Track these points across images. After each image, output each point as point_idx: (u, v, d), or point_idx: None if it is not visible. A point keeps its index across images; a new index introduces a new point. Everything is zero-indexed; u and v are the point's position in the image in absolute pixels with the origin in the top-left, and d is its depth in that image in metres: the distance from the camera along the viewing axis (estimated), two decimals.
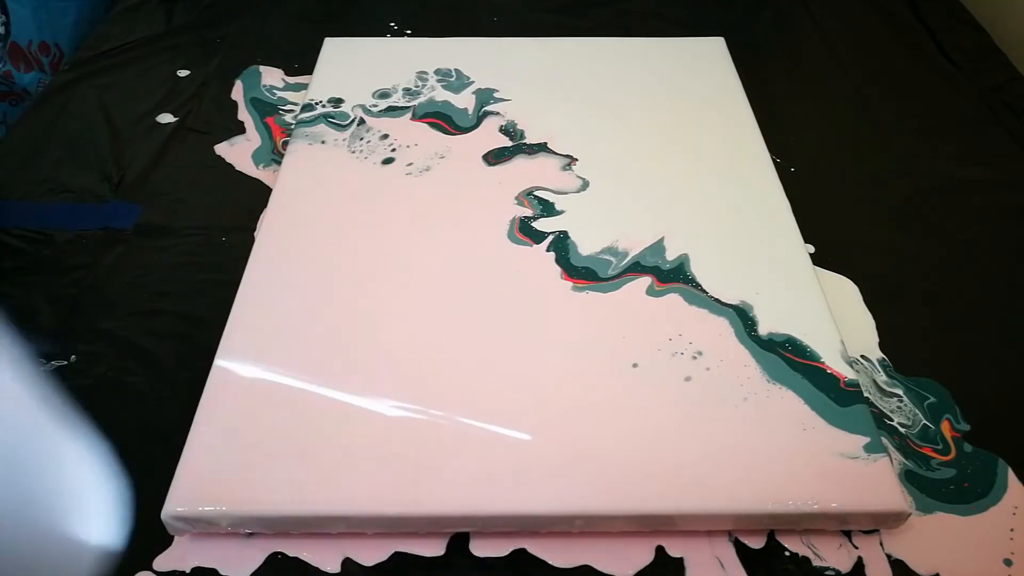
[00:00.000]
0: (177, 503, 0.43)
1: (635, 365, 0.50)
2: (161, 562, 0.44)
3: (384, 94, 0.72)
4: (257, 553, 0.44)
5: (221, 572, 0.44)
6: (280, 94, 0.77)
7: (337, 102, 0.71)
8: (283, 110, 0.75)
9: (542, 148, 0.66)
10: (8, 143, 0.72)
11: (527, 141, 0.67)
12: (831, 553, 0.45)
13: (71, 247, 0.62)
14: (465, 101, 0.71)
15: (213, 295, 0.57)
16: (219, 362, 0.50)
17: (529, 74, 0.74)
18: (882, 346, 0.55)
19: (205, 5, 0.89)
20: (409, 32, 0.86)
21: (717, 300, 0.54)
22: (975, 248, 0.63)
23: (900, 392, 0.52)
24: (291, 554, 0.44)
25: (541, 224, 0.59)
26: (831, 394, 0.48)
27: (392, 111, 0.70)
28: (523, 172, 0.64)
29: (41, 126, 0.73)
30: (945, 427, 0.50)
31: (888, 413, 0.51)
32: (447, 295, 0.54)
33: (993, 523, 0.46)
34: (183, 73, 0.80)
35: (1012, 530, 0.46)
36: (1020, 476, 0.48)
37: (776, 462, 0.45)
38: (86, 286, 0.59)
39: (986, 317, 0.58)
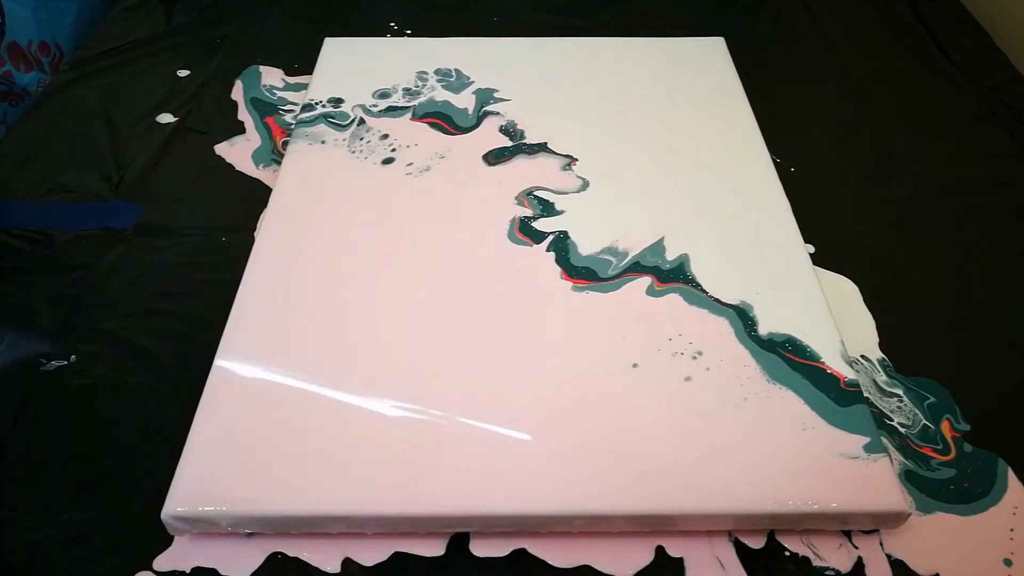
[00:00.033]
0: (177, 503, 0.43)
1: (635, 365, 0.50)
2: (161, 562, 0.44)
3: (384, 94, 0.72)
4: (257, 553, 0.44)
5: (221, 572, 0.44)
6: (280, 94, 0.77)
7: (337, 102, 0.71)
8: (283, 110, 0.75)
9: (542, 148, 0.66)
10: (8, 143, 0.72)
11: (527, 141, 0.67)
12: (831, 553, 0.45)
13: (71, 247, 0.62)
14: (465, 101, 0.71)
15: (213, 295, 0.57)
16: (219, 362, 0.50)
17: (529, 74, 0.74)
18: (882, 346, 0.55)
19: (205, 5, 0.89)
20: (409, 32, 0.86)
21: (717, 300, 0.54)
22: (975, 248, 0.63)
23: (900, 392, 0.52)
24: (291, 554, 0.44)
25: (541, 224, 0.59)
26: (831, 394, 0.48)
27: (392, 111, 0.70)
28: (523, 172, 0.64)
29: (41, 126, 0.73)
30: (945, 427, 0.50)
31: (888, 413, 0.51)
32: (447, 295, 0.54)
33: (993, 523, 0.46)
34: (183, 73, 0.80)
35: (1012, 530, 0.46)
36: (1020, 476, 0.48)
37: (776, 462, 0.45)
38: (86, 286, 0.59)
39: (986, 317, 0.58)
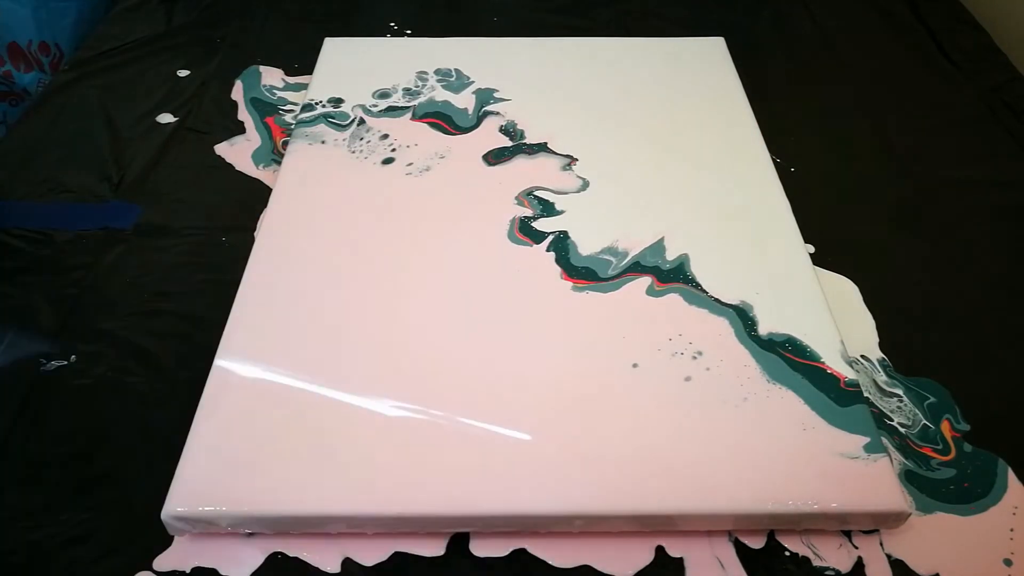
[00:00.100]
0: (177, 503, 0.43)
1: (635, 365, 0.50)
2: (161, 562, 0.44)
3: (384, 94, 0.72)
4: (257, 553, 0.44)
5: (221, 572, 0.44)
6: (280, 94, 0.77)
7: (337, 102, 0.71)
8: (283, 110, 0.75)
9: (542, 148, 0.66)
10: (8, 143, 0.72)
11: (527, 141, 0.67)
12: (831, 553, 0.45)
13: (71, 247, 0.62)
14: (465, 101, 0.71)
15: (213, 295, 0.57)
16: (219, 362, 0.50)
17: (529, 74, 0.74)
18: (882, 346, 0.55)
19: (205, 5, 0.89)
20: (409, 32, 0.86)
21: (717, 300, 0.54)
22: (975, 248, 0.63)
23: (900, 392, 0.52)
24: (291, 554, 0.44)
25: (541, 224, 0.59)
26: (831, 394, 0.48)
27: (392, 111, 0.70)
28: (523, 172, 0.64)
29: (41, 126, 0.73)
30: (945, 427, 0.50)
31: (888, 413, 0.51)
32: (447, 295, 0.54)
33: (993, 523, 0.46)
34: (183, 73, 0.80)
35: (1012, 530, 0.46)
36: (1020, 476, 0.48)
37: (776, 462, 0.45)
38: (86, 286, 0.59)
39: (986, 317, 0.58)
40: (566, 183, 0.63)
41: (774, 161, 0.65)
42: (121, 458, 0.49)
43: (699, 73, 0.74)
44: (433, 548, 0.45)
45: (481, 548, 0.45)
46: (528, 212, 0.60)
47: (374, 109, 0.70)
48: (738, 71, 0.74)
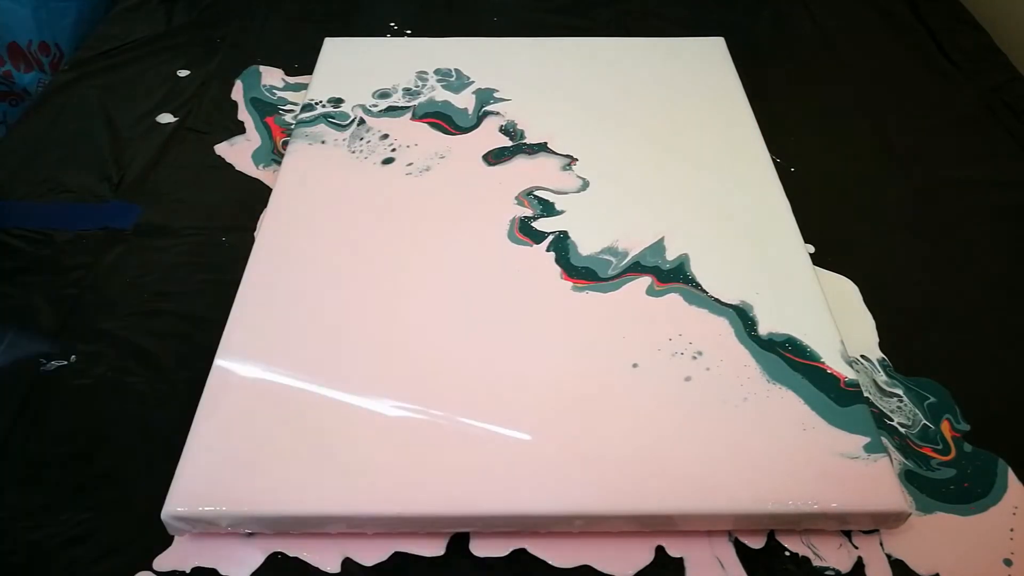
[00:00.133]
0: (177, 503, 0.43)
1: (635, 365, 0.50)
2: (161, 562, 0.44)
3: (384, 94, 0.72)
4: (257, 553, 0.44)
5: (221, 572, 0.44)
6: (280, 94, 0.77)
7: (337, 102, 0.71)
8: (283, 110, 0.75)
9: (542, 148, 0.66)
10: (8, 143, 0.72)
11: (527, 141, 0.67)
12: (831, 553, 0.45)
13: (71, 247, 0.62)
14: (465, 101, 0.71)
15: (213, 295, 0.57)
16: (219, 362, 0.50)
17: (529, 74, 0.74)
18: (882, 346, 0.55)
19: (205, 5, 0.89)
20: (409, 32, 0.86)
21: (717, 300, 0.54)
22: (975, 248, 0.63)
23: (900, 392, 0.52)
24: (291, 554, 0.44)
25: (541, 224, 0.59)
26: (831, 394, 0.48)
27: (392, 111, 0.70)
28: (523, 172, 0.64)
29: (41, 126, 0.73)
30: (945, 427, 0.50)
31: (888, 413, 0.51)
32: (447, 295, 0.54)
33: (993, 523, 0.46)
34: (183, 73, 0.80)
35: (1012, 530, 0.46)
36: (1020, 476, 0.48)
37: (776, 462, 0.45)
38: (86, 286, 0.59)
39: (986, 317, 0.58)
40: (566, 183, 0.63)
41: (774, 161, 0.65)
42: (121, 458, 0.49)
43: (699, 73, 0.74)
44: (433, 548, 0.45)
45: (481, 548, 0.45)
46: (528, 212, 0.60)
47: (374, 109, 0.70)
48: (738, 71, 0.74)
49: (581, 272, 0.56)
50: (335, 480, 0.44)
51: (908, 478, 0.48)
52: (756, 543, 0.45)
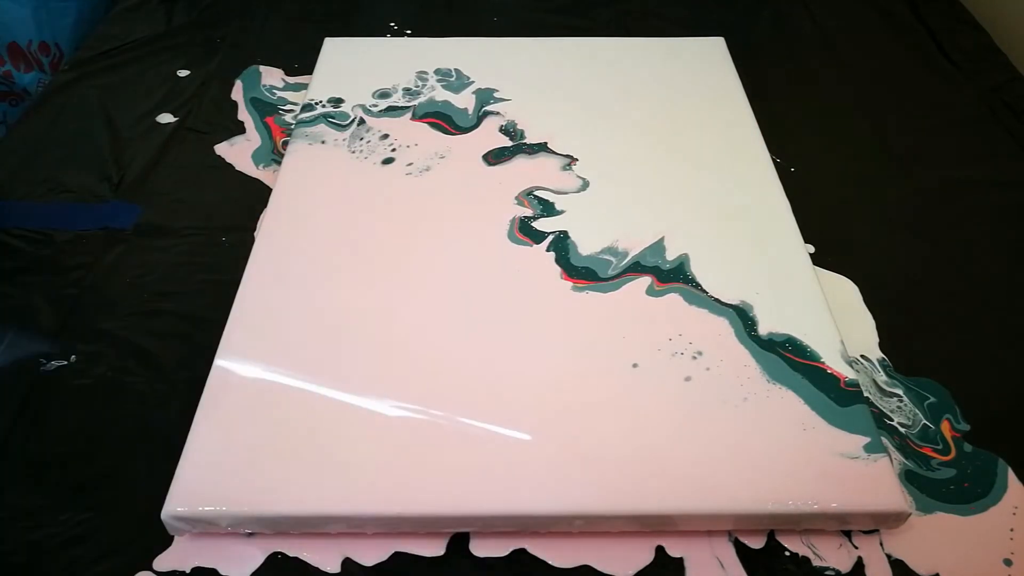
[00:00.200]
0: (177, 503, 0.43)
1: (635, 365, 0.50)
2: (161, 562, 0.44)
3: (384, 94, 0.72)
4: (257, 553, 0.44)
5: (221, 572, 0.44)
6: (280, 94, 0.77)
7: (337, 102, 0.71)
8: (283, 110, 0.75)
9: (542, 148, 0.66)
10: (8, 143, 0.72)
11: (527, 141, 0.67)
12: (831, 553, 0.45)
13: (71, 247, 0.62)
14: (465, 101, 0.71)
15: (213, 295, 0.57)
16: (219, 362, 0.50)
17: (529, 74, 0.74)
18: (882, 346, 0.55)
19: (205, 5, 0.89)
20: (409, 32, 0.86)
21: (717, 300, 0.54)
22: (975, 248, 0.63)
23: (900, 392, 0.52)
24: (291, 554, 0.44)
25: (541, 224, 0.59)
26: (831, 394, 0.48)
27: (392, 111, 0.70)
28: (523, 172, 0.64)
29: (41, 126, 0.73)
30: (945, 427, 0.50)
31: (888, 413, 0.51)
32: (447, 295, 0.54)
33: (993, 523, 0.46)
34: (183, 73, 0.80)
35: (1012, 530, 0.46)
36: (1020, 476, 0.48)
37: (776, 462, 0.45)
38: (86, 286, 0.59)
39: (986, 317, 0.58)
40: (566, 183, 0.63)
41: (774, 161, 0.65)
42: (121, 458, 0.49)
43: (699, 73, 0.74)
44: (433, 548, 0.45)
45: (481, 548, 0.45)
46: (528, 212, 0.60)
47: (374, 109, 0.70)
48: (738, 71, 0.74)
49: (581, 272, 0.56)
50: (335, 480, 0.44)
51: (908, 478, 0.48)
52: (756, 543, 0.45)
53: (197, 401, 0.48)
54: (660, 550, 0.45)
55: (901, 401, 0.52)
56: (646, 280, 0.55)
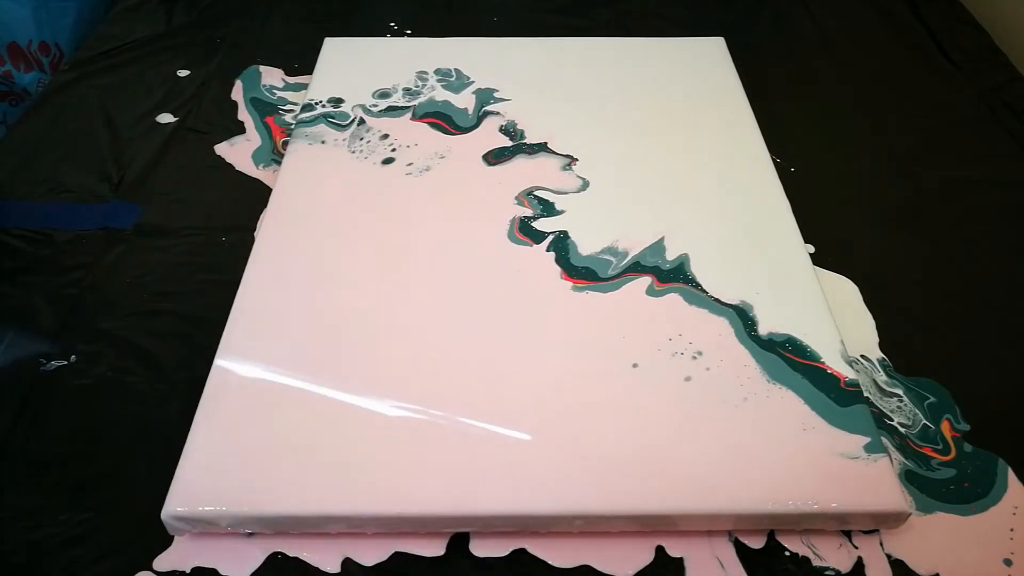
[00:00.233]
0: (177, 503, 0.43)
1: (635, 365, 0.50)
2: (161, 562, 0.44)
3: (384, 94, 0.72)
4: (257, 553, 0.44)
5: (221, 572, 0.44)
6: (280, 94, 0.77)
7: (337, 102, 0.71)
8: (283, 110, 0.75)
9: (542, 148, 0.66)
10: (8, 143, 0.72)
11: (527, 141, 0.67)
12: (831, 553, 0.45)
13: (71, 247, 0.62)
14: (465, 101, 0.71)
15: (213, 295, 0.57)
16: (219, 362, 0.50)
17: (529, 74, 0.74)
18: (882, 346, 0.55)
19: (205, 5, 0.89)
20: (409, 32, 0.86)
21: (717, 300, 0.54)
22: (975, 248, 0.63)
23: (900, 392, 0.52)
24: (291, 554, 0.44)
25: (541, 224, 0.59)
26: (831, 394, 0.48)
27: (392, 111, 0.70)
28: (523, 172, 0.64)
29: (41, 126, 0.73)
30: (945, 427, 0.50)
31: (888, 413, 0.51)
32: (447, 295, 0.54)
33: (993, 523, 0.46)
34: (183, 73, 0.80)
35: (1012, 530, 0.46)
36: (1020, 476, 0.48)
37: (776, 462, 0.45)
38: (86, 286, 0.59)
39: (986, 317, 0.58)
40: (566, 183, 0.63)
41: (774, 161, 0.65)
42: (121, 458, 0.49)
43: (699, 73, 0.74)
44: (433, 548, 0.45)
45: (481, 548, 0.45)
46: (528, 212, 0.60)
47: (374, 109, 0.70)
48: (738, 71, 0.74)
49: (581, 272, 0.56)
50: (335, 480, 0.44)
51: (908, 478, 0.48)
52: (756, 543, 0.45)
53: (197, 401, 0.48)
54: (660, 550, 0.45)
55: (901, 401, 0.52)
56: (646, 280, 0.55)
